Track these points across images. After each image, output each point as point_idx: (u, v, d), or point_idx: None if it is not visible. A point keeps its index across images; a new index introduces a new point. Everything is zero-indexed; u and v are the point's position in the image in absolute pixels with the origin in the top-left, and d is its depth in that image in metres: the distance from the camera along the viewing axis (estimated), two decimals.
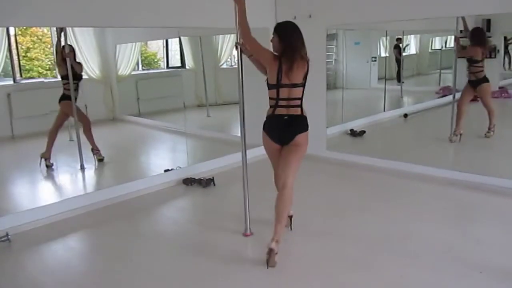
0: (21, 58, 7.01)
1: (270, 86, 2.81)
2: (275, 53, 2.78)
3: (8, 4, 3.20)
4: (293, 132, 2.80)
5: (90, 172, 4.84)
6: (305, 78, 2.79)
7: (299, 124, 2.81)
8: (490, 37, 5.39)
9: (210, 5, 4.29)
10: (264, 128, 2.89)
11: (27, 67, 7.30)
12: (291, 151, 2.82)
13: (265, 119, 2.89)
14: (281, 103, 2.78)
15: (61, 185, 4.53)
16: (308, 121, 2.85)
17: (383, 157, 4.65)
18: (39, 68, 7.45)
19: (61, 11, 3.48)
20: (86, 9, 3.61)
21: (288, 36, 2.75)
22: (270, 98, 2.83)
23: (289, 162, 2.80)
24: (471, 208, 3.59)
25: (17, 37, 6.86)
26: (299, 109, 2.80)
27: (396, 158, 4.57)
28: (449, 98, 5.42)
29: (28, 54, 7.36)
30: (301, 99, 2.80)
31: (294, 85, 2.76)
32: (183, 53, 8.42)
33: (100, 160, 4.94)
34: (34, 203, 3.91)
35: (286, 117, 2.79)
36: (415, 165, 4.36)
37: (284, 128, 2.81)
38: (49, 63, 7.17)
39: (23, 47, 7.14)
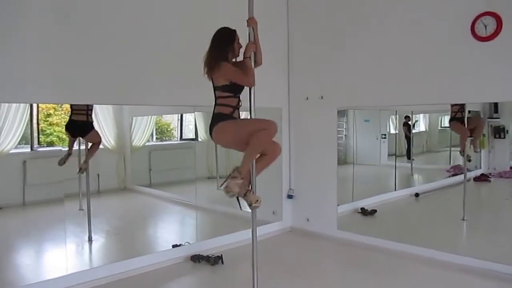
0: (41, 122, 7.27)
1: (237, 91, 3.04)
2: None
3: (33, 81, 3.40)
4: None
5: (97, 244, 4.79)
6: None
7: None
8: (498, 118, 5.49)
9: None
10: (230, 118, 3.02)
11: (47, 131, 7.54)
12: None
13: (225, 115, 3.01)
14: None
15: (67, 257, 4.46)
16: None
17: (395, 239, 4.55)
18: (59, 133, 7.69)
19: (85, 89, 3.68)
20: (106, 88, 3.82)
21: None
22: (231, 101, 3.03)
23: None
24: None
25: (39, 104, 7.15)
26: None
27: (408, 240, 4.46)
28: (460, 177, 5.41)
29: (49, 119, 7.64)
30: None
31: None
32: (197, 125, 8.65)
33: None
34: (39, 276, 3.85)
35: None
36: (427, 249, 4.25)
37: None
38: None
39: (44, 112, 7.43)
